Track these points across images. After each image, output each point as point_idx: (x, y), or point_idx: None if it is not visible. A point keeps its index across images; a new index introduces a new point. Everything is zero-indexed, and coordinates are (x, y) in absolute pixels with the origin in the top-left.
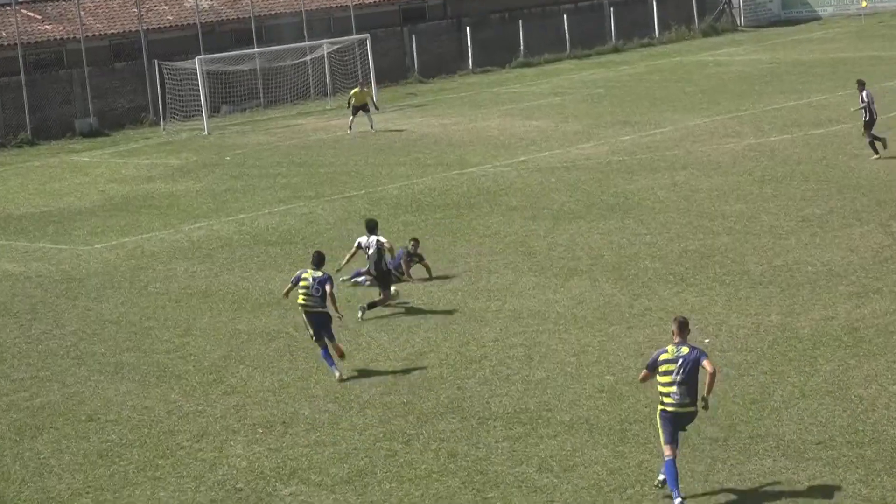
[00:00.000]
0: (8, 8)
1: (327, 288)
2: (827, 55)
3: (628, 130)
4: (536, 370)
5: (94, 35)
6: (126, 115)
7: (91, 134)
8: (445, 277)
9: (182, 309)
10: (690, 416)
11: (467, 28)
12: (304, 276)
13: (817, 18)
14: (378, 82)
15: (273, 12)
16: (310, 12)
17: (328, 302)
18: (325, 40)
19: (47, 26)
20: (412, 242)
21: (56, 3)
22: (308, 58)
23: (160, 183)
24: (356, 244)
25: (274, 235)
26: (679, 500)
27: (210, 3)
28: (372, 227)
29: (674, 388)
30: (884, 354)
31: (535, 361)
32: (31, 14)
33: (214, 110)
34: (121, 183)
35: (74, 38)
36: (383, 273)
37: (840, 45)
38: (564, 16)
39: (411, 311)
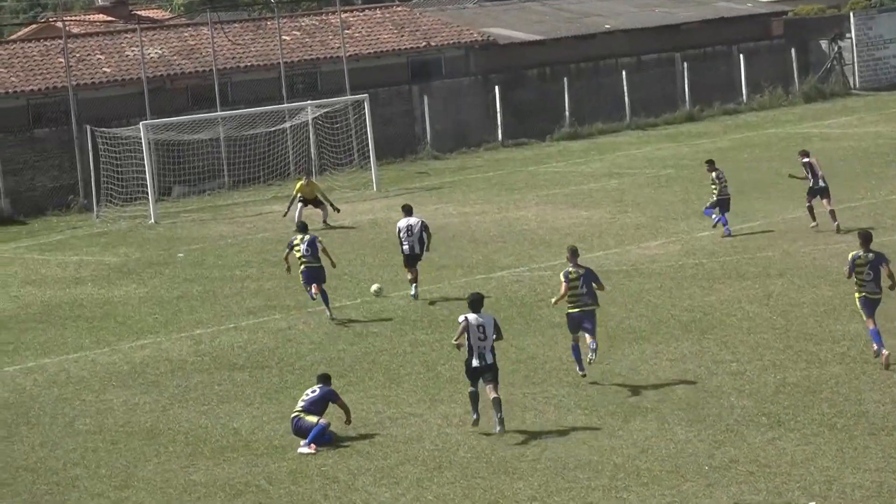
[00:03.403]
0: None
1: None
2: None
3: (706, 224)
4: None
5: (6, 92)
6: (48, 197)
7: (1, 221)
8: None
9: (119, 453)
10: (591, 313)
11: (496, 87)
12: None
13: None
14: (378, 157)
15: (242, 65)
16: (290, 65)
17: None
18: (309, 101)
19: None
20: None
21: None
22: (287, 124)
23: (92, 287)
24: (398, 230)
25: (241, 357)
26: (582, 373)
27: (160, 51)
28: (409, 210)
29: (578, 299)
30: None
31: None
32: None
33: (164, 192)
34: (40, 286)
35: None
36: (417, 255)
37: None
38: (623, 73)
39: (418, 459)
